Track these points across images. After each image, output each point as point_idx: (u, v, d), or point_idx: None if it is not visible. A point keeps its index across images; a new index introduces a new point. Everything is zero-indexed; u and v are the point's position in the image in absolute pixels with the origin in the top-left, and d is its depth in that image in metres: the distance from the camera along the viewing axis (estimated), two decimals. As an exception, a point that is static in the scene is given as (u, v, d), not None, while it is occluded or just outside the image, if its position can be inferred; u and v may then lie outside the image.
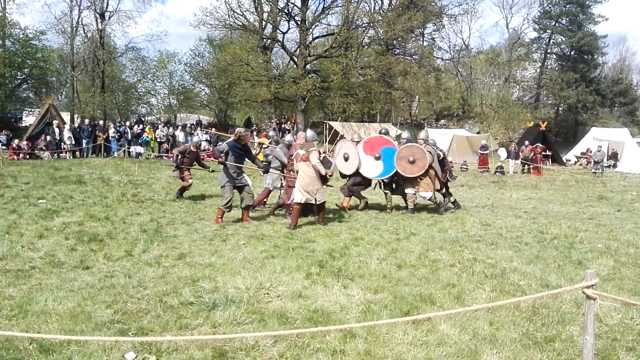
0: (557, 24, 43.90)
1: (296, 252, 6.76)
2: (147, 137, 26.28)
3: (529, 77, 47.09)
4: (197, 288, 5.07)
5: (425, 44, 43.37)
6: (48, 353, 3.50)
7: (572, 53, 44.49)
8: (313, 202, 8.77)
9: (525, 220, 10.08)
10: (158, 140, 26.03)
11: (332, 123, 30.87)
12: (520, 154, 24.17)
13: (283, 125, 32.42)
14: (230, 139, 8.97)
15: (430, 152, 10.19)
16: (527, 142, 24.87)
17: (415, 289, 5.25)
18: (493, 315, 4.54)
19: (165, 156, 23.75)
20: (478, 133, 34.53)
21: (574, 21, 43.26)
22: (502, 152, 27.81)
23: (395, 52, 38.27)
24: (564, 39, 43.94)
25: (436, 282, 5.55)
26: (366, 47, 35.99)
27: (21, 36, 32.49)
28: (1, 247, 6.37)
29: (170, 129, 27.97)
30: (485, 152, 24.44)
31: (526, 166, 23.67)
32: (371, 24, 35.08)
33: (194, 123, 34.02)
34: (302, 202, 8.63)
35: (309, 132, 9.11)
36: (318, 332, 4.03)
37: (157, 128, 27.50)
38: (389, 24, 32.88)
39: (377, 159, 10.46)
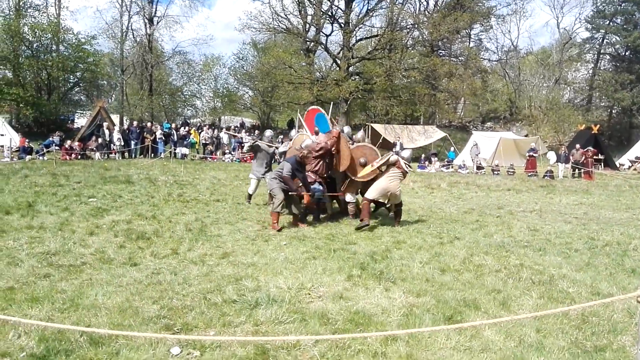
0: (611, 23, 42.13)
1: (337, 253, 6.75)
2: (193, 139, 26.93)
3: (581, 79, 45.48)
4: (240, 286, 5.14)
5: (471, 44, 42.65)
6: (97, 345, 3.62)
7: (627, 53, 42.60)
8: (385, 202, 9.25)
9: (575, 226, 9.72)
10: (203, 142, 26.63)
11: (374, 125, 30.76)
12: (571, 157, 23.38)
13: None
14: (293, 157, 8.97)
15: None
16: (578, 146, 24.02)
17: (459, 294, 5.16)
18: (540, 323, 4.41)
19: (210, 157, 24.25)
20: (526, 136, 33.60)
21: (630, 20, 41.37)
22: (551, 155, 26.97)
23: (441, 54, 37.74)
24: (618, 38, 42.12)
25: (481, 288, 5.43)
26: (410, 48, 35.63)
27: (74, 41, 33.99)
28: (54, 243, 6.63)
29: (215, 131, 28.57)
30: (534, 155, 23.77)
31: (577, 170, 22.87)
32: (416, 26, 34.72)
33: (238, 125, 34.61)
34: (374, 198, 8.93)
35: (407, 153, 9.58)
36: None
37: (202, 130, 28.14)
38: (434, 25, 32.44)
39: (317, 133, 10.18)
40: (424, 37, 35.90)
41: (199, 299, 4.75)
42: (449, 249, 7.21)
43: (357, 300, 4.90)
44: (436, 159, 26.95)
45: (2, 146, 21.08)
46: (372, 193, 8.91)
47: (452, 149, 29.78)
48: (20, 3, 32.63)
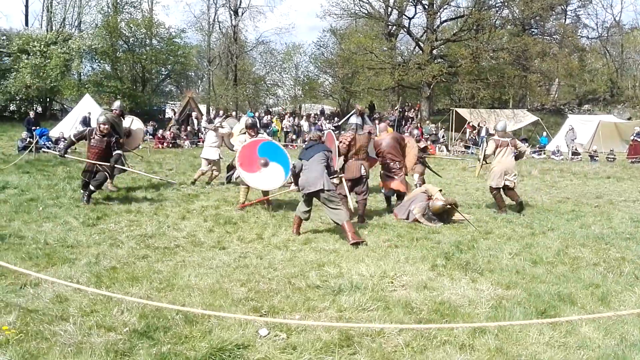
0: None
1: (420, 242, 6.64)
2: (275, 127, 27.54)
3: (693, 55, 41.02)
4: (322, 272, 5.20)
5: (567, 21, 39.65)
6: (192, 324, 3.82)
7: None
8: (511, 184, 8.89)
9: (686, 217, 8.86)
10: (284, 130, 27.14)
11: (459, 110, 29.73)
12: (681, 142, 21.32)
13: (407, 113, 31.92)
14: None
15: None
16: (689, 129, 21.84)
17: (553, 288, 4.88)
18: (645, 321, 4.08)
19: (291, 145, 24.66)
20: (629, 119, 31.00)
21: None
22: (658, 140, 24.75)
23: (533, 32, 35.50)
24: None
25: (577, 282, 5.11)
26: (499, 28, 33.81)
27: (165, 35, 35.85)
28: (151, 226, 7.06)
29: (296, 119, 29.01)
30: (638, 140, 21.92)
31: (687, 156, 20.82)
32: (505, 4, 32.86)
33: (318, 113, 34.87)
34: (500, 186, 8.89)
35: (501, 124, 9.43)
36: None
37: (284, 118, 28.66)
38: (526, 2, 30.47)
39: (266, 165, 8.54)
40: (515, 15, 33.95)
41: (284, 283, 4.86)
42: (542, 240, 6.84)
43: (442, 290, 4.78)
44: (526, 144, 25.61)
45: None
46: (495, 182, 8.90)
47: (544, 133, 28.16)
48: (118, 0, 34.83)
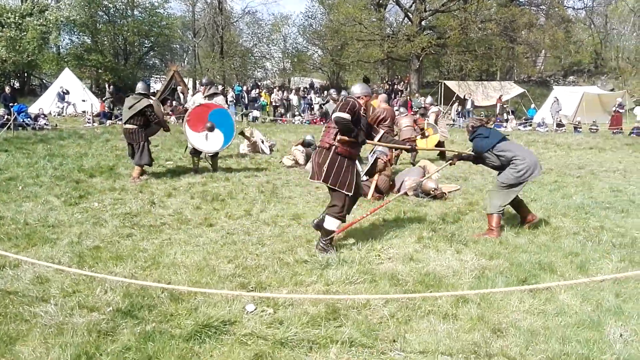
0: None
1: (408, 215, 6.71)
2: (263, 101, 27.30)
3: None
4: (311, 247, 5.24)
5: (554, -9, 39.42)
6: (177, 302, 3.84)
7: None
8: None
9: (664, 186, 9.04)
10: (273, 104, 26.94)
11: (447, 82, 29.69)
12: (663, 112, 21.54)
13: (396, 86, 31.82)
14: None
15: None
16: (671, 99, 22.07)
17: (534, 257, 5.01)
18: (620, 287, 4.23)
19: (280, 120, 24.54)
20: (612, 90, 31.22)
21: None
22: (639, 111, 24.98)
23: (520, 3, 35.36)
24: None
25: (557, 250, 5.24)
26: (487, -2, 33.54)
27: (147, 5, 34.92)
28: (136, 204, 6.99)
29: (285, 93, 28.78)
30: (620, 111, 22.12)
31: (669, 127, 21.05)
32: (493, -26, 32.56)
33: (307, 86, 34.60)
34: None
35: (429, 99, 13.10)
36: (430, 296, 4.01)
37: (272, 92, 28.44)
38: (513, -28, 30.26)
39: (211, 129, 9.24)
40: (502, -15, 33.66)
41: (272, 258, 4.90)
42: (525, 211, 6.95)
43: (428, 262, 4.87)
44: (512, 116, 25.76)
45: (85, 112, 22.36)
46: None
47: (532, 106, 28.29)
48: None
